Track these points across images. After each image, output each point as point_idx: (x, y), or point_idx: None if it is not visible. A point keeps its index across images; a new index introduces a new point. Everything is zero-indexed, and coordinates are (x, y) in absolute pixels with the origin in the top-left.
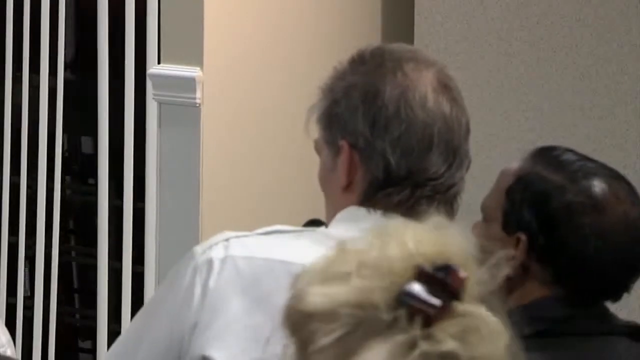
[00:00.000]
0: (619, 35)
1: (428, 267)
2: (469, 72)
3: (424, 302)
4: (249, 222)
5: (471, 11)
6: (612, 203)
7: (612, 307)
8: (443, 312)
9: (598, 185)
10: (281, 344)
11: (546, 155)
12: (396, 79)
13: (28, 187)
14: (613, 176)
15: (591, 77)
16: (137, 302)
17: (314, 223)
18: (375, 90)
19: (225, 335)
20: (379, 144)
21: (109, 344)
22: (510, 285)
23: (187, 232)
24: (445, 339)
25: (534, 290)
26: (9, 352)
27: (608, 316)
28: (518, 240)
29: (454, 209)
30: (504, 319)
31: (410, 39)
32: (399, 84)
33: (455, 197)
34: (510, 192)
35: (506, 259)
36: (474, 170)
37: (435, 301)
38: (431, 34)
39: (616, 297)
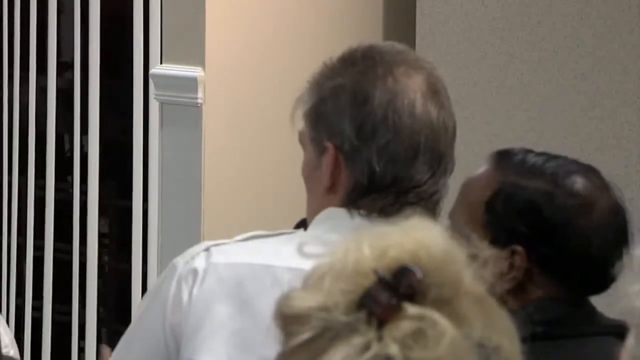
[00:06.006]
0: (620, 36)
1: (385, 269)
2: (470, 72)
3: (376, 303)
4: (250, 222)
5: (473, 11)
6: (596, 196)
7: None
8: (392, 313)
9: (579, 182)
10: (269, 347)
11: (510, 161)
12: (386, 85)
13: (38, 188)
14: (585, 169)
15: (593, 77)
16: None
17: (304, 222)
18: (365, 95)
19: (212, 342)
20: (365, 150)
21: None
22: (509, 292)
23: (189, 232)
24: (390, 342)
25: (532, 293)
26: (11, 352)
27: (597, 315)
28: (513, 253)
29: (436, 213)
30: (484, 320)
31: (411, 39)
32: (389, 89)
33: (437, 202)
34: (490, 206)
35: (502, 272)
36: (474, 171)
37: (386, 302)
38: (433, 34)
39: (607, 287)
